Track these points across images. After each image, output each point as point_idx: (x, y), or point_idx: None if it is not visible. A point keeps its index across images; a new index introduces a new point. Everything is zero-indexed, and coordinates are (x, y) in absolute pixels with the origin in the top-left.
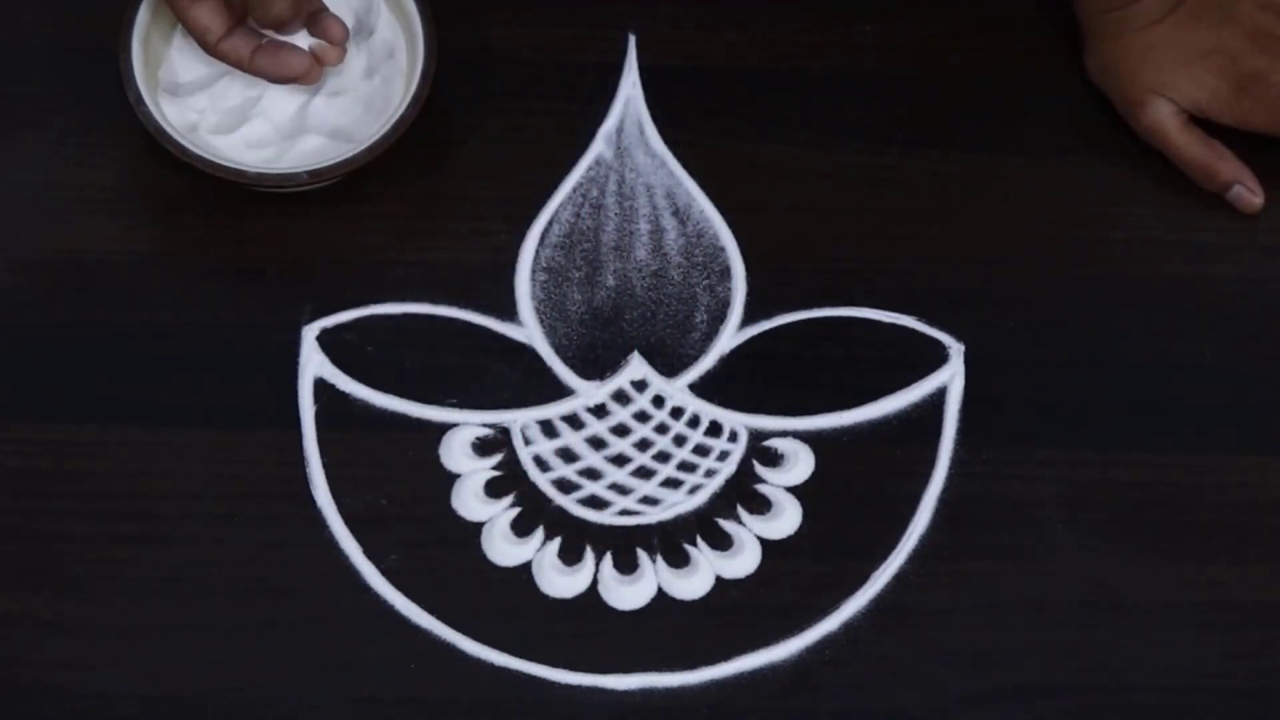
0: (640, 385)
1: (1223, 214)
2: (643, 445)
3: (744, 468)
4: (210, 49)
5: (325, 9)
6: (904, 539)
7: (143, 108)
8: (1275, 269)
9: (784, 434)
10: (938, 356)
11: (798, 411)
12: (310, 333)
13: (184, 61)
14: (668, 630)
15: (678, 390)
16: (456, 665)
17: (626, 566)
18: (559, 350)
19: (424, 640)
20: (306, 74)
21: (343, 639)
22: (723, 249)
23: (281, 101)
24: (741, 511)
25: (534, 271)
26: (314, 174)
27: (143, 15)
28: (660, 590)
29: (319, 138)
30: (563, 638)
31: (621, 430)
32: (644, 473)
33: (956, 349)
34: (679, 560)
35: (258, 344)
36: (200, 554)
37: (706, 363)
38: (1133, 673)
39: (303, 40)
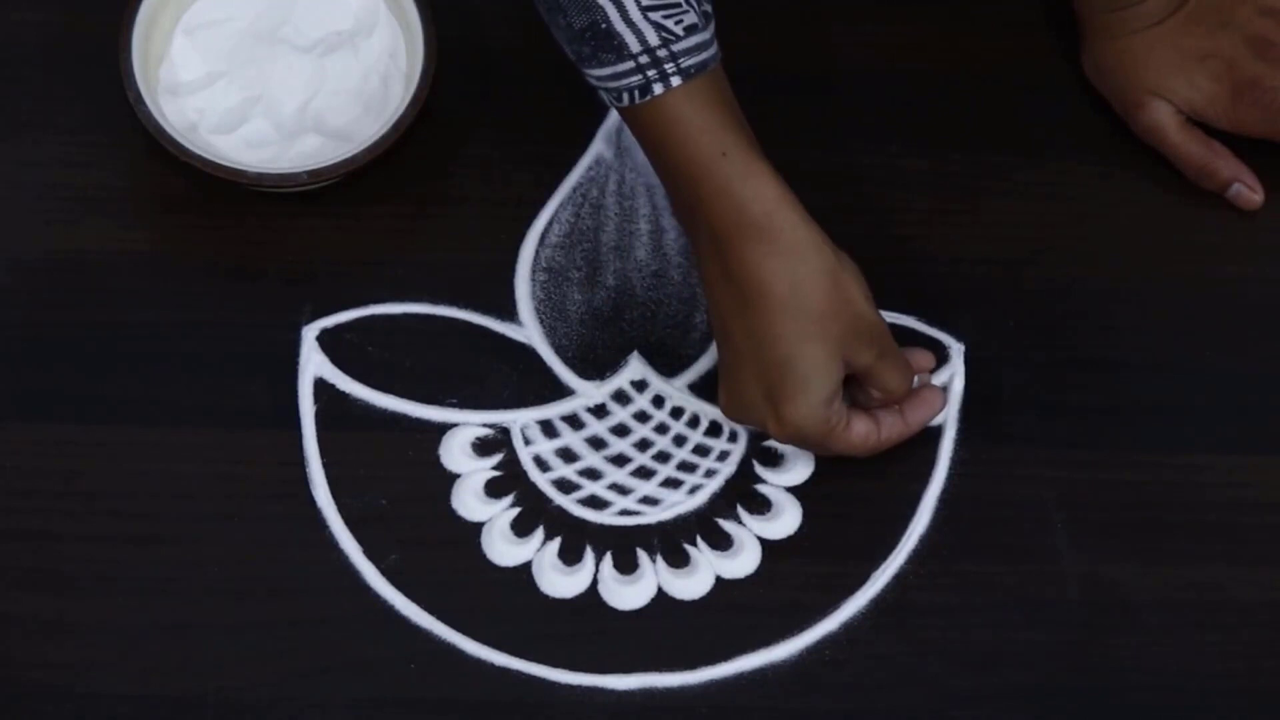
0: (640, 385)
1: (1223, 214)
2: (642, 445)
3: (744, 468)
4: (878, 445)
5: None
6: (904, 539)
7: (143, 108)
8: (1275, 269)
9: None
10: (938, 356)
11: None
12: (310, 333)
13: (184, 61)
14: (668, 630)
15: (678, 390)
16: (456, 665)
17: (626, 566)
18: (559, 350)
19: (424, 640)
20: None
21: (343, 639)
22: None
23: (282, 101)
24: (741, 511)
25: (534, 271)
26: (314, 174)
27: (143, 15)
28: (660, 590)
29: (319, 138)
30: (563, 638)
31: (621, 430)
32: (644, 473)
33: (956, 349)
34: (679, 560)
35: (258, 344)
36: (200, 554)
37: (706, 363)
38: (1133, 673)
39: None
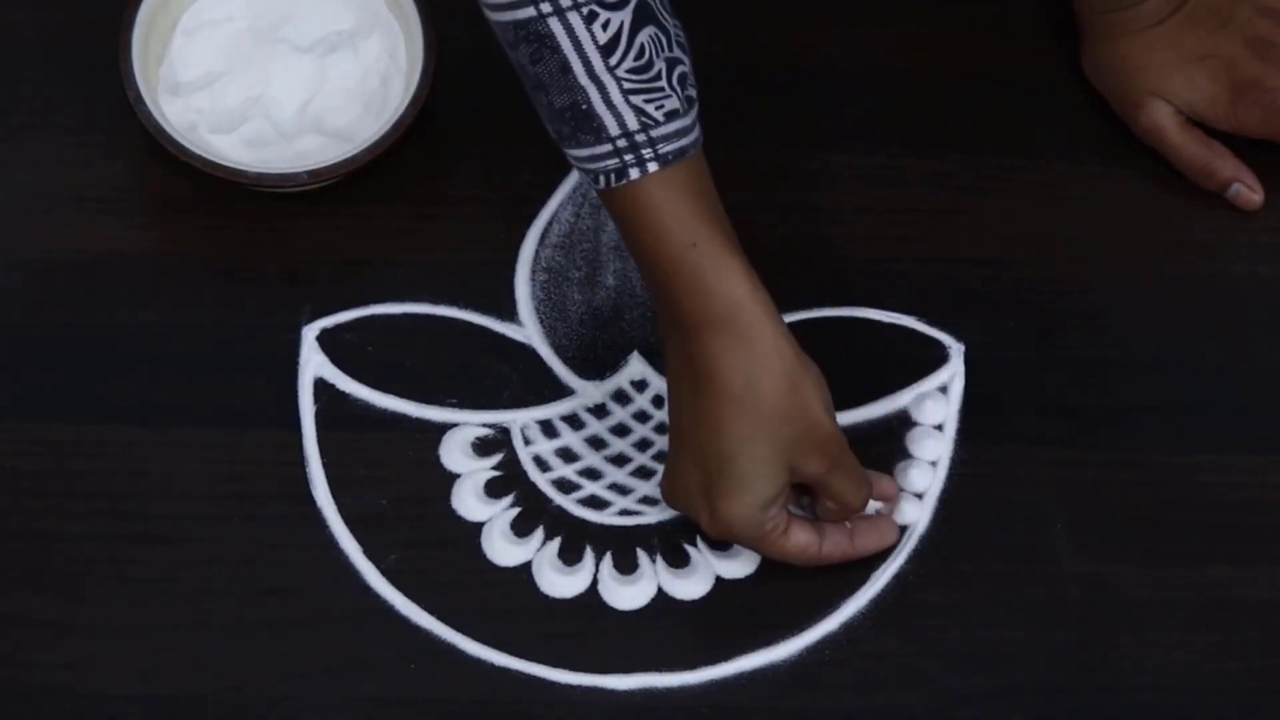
0: (640, 385)
1: (1222, 214)
2: (643, 445)
3: None
4: (816, 559)
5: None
6: (904, 539)
7: (143, 108)
8: (1275, 268)
9: None
10: (938, 356)
11: None
12: (310, 333)
13: (184, 60)
14: (668, 630)
15: None
16: (456, 665)
17: (626, 566)
18: (559, 350)
19: (424, 640)
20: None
21: (343, 639)
22: None
23: (282, 101)
24: None
25: (534, 271)
26: (314, 174)
27: (143, 15)
28: (660, 590)
29: (319, 138)
30: (563, 638)
31: (621, 430)
32: (644, 472)
33: (956, 349)
34: (679, 560)
35: (258, 344)
36: (200, 554)
37: None
38: (1133, 673)
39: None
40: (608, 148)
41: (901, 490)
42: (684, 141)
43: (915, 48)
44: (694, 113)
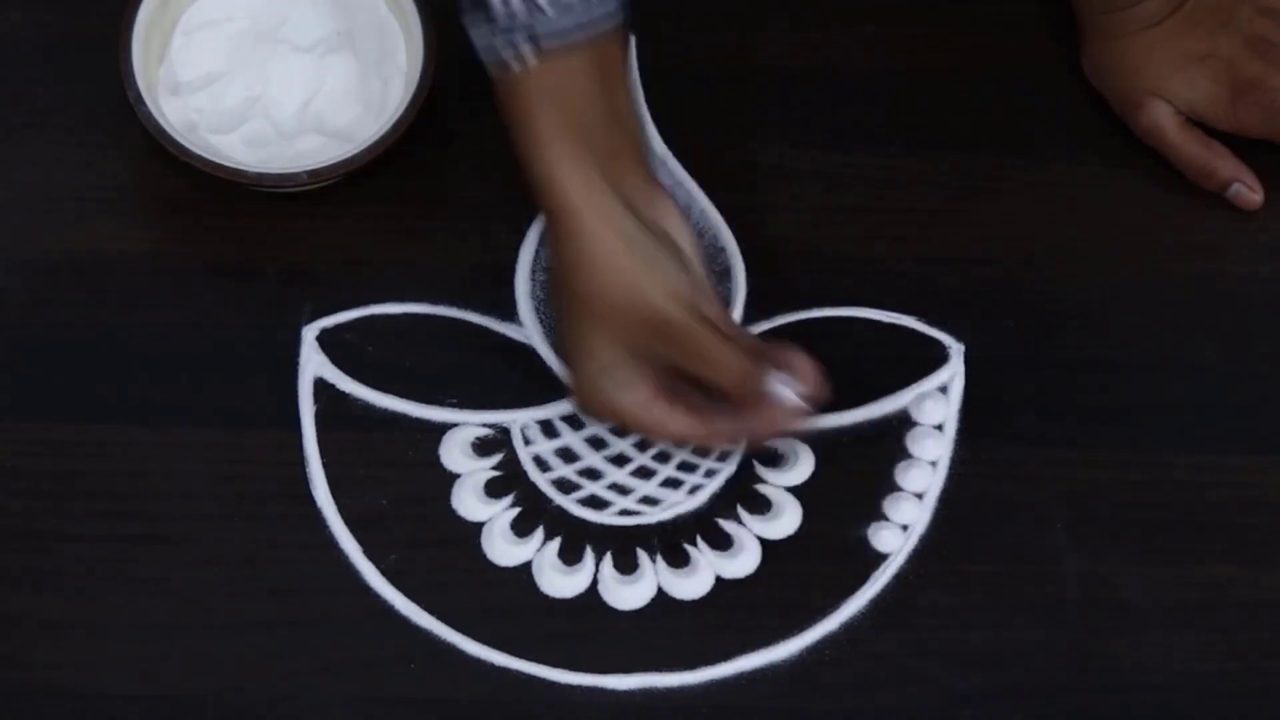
0: None
1: (1222, 213)
2: (642, 445)
3: (744, 468)
4: (705, 440)
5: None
6: (904, 539)
7: (143, 108)
8: (1275, 268)
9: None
10: (938, 356)
11: None
12: (310, 333)
13: (184, 60)
14: (668, 630)
15: None
16: (456, 665)
17: (626, 566)
18: (559, 350)
19: (424, 640)
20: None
21: (343, 639)
22: (723, 249)
23: (281, 101)
24: (741, 511)
25: (534, 271)
26: (314, 174)
27: (143, 15)
28: (660, 590)
29: (319, 138)
30: (563, 638)
31: (621, 430)
32: (644, 472)
33: (956, 349)
34: (679, 560)
35: (258, 344)
36: (200, 554)
37: None
38: (1133, 673)
39: None
40: (490, 29)
41: (824, 383)
42: (567, 31)
43: (915, 48)
44: (586, 11)
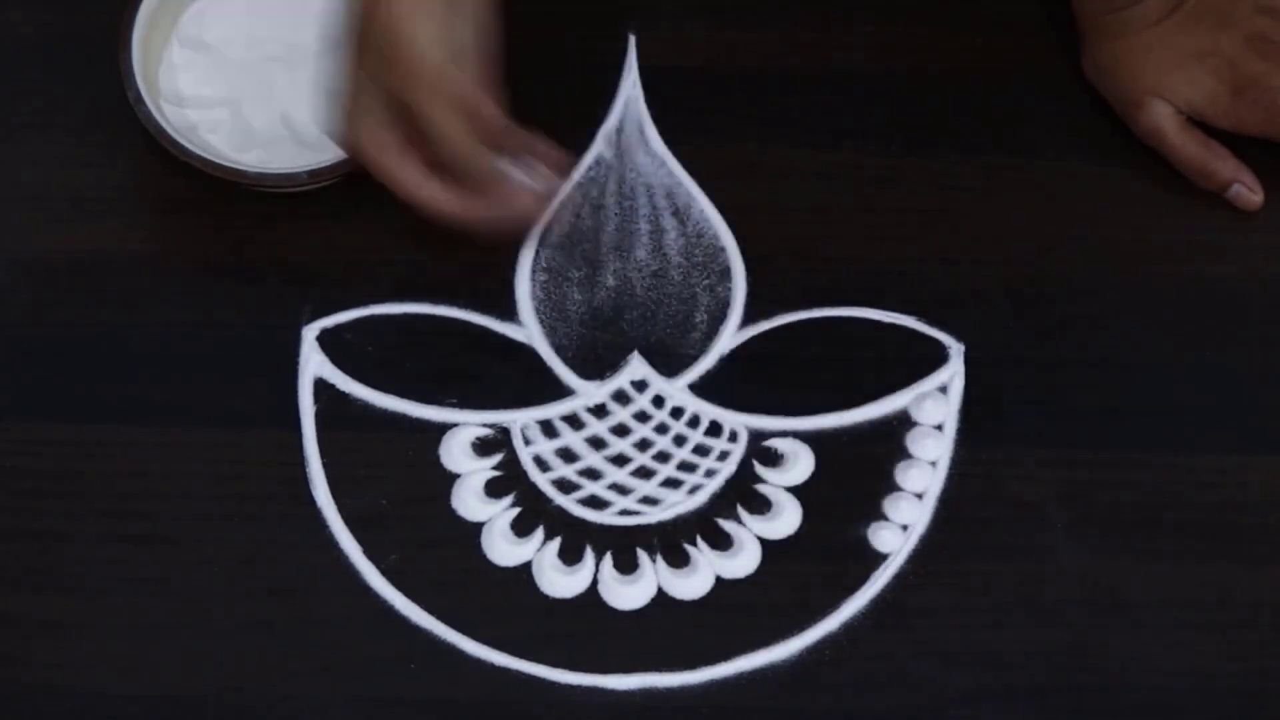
0: (640, 385)
1: (1222, 214)
2: (643, 445)
3: (744, 468)
4: (428, 203)
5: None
6: (904, 539)
7: (143, 108)
8: (1275, 269)
9: (784, 434)
10: (938, 356)
11: (798, 411)
12: (310, 333)
13: (183, 62)
14: (668, 630)
15: (678, 390)
16: (456, 665)
17: (626, 566)
18: (559, 350)
19: (424, 640)
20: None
21: (343, 639)
22: (723, 249)
23: (281, 102)
24: (741, 511)
25: (534, 271)
26: (314, 174)
27: (143, 15)
28: (660, 590)
29: (319, 138)
30: (563, 638)
31: (621, 430)
32: (644, 473)
33: (956, 349)
34: (679, 560)
35: (258, 344)
36: (200, 554)
37: (706, 363)
38: (1133, 673)
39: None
40: None
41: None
42: None
43: (915, 48)
44: None
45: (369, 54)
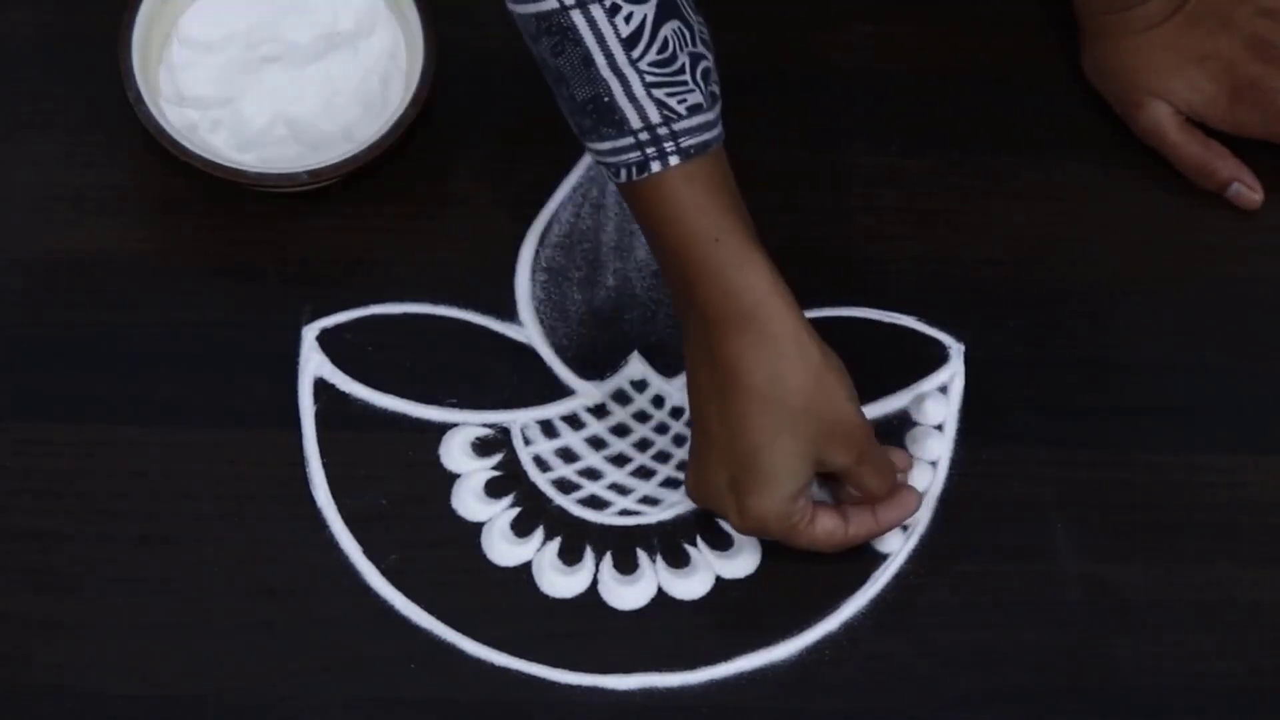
0: (640, 385)
1: (1222, 214)
2: (642, 445)
3: None
4: (844, 543)
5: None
6: (904, 539)
7: (143, 108)
8: (1275, 269)
9: None
10: (938, 356)
11: None
12: (310, 333)
13: (183, 61)
14: (668, 630)
15: (677, 390)
16: (456, 665)
17: (626, 566)
18: (559, 350)
19: (424, 640)
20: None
21: (343, 639)
22: None
23: (281, 102)
24: None
25: (534, 271)
26: (314, 174)
27: (143, 15)
28: (660, 590)
29: (319, 138)
30: (563, 638)
31: (621, 430)
32: (644, 473)
33: (956, 349)
34: (679, 560)
35: (258, 344)
36: (200, 554)
37: None
38: (1133, 673)
39: None
40: (629, 140)
41: (914, 458)
42: (707, 136)
43: (915, 48)
44: (717, 108)
45: (791, 417)
